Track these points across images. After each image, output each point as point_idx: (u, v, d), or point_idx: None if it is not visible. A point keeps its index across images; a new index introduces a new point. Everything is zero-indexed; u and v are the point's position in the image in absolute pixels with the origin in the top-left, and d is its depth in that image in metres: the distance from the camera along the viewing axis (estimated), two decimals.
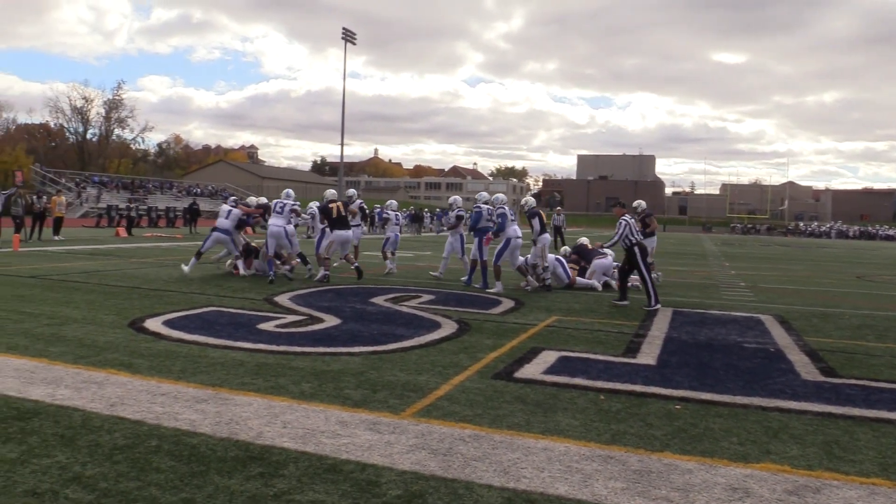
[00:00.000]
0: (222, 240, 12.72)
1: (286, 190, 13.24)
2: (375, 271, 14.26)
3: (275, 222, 12.37)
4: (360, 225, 15.04)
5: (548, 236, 12.38)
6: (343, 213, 12.67)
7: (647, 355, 6.68)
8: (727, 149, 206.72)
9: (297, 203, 13.16)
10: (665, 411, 4.78)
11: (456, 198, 14.38)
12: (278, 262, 12.61)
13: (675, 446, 4.07)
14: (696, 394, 5.26)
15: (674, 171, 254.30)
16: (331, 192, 13.50)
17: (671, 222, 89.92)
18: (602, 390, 5.27)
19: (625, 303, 10.39)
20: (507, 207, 11.96)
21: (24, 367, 5.38)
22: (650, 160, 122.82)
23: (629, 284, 11.04)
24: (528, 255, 12.19)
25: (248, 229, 14.51)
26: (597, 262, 12.68)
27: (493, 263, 11.75)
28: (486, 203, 12.31)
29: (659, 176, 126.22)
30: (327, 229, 12.73)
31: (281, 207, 12.52)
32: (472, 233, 12.37)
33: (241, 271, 12.65)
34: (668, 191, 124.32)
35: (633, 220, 10.69)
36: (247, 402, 4.66)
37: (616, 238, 10.60)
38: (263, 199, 14.92)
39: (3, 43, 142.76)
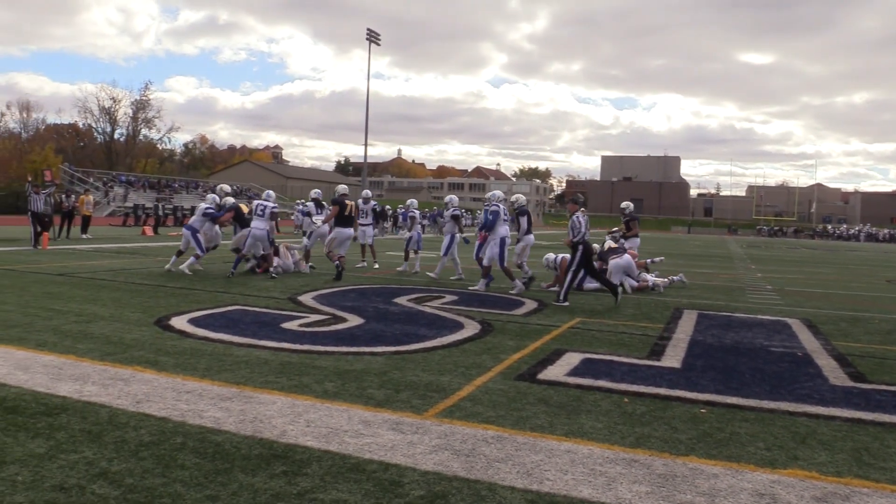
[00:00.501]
0: (188, 237, 12.75)
1: (266, 191, 13.34)
2: (397, 272, 14.28)
3: (256, 225, 12.40)
4: (371, 225, 15.12)
5: (532, 237, 12.49)
6: (353, 213, 12.85)
7: (672, 358, 6.61)
8: (754, 150, 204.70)
9: (277, 206, 13.19)
10: (690, 415, 4.73)
11: (452, 197, 14.34)
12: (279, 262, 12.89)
13: (700, 451, 4.02)
14: (721, 398, 5.20)
15: (699, 173, 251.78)
16: (342, 187, 13.67)
17: (696, 224, 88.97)
18: (626, 393, 5.23)
19: (618, 294, 10.50)
20: (501, 206, 11.90)
21: (52, 364, 5.46)
22: (675, 161, 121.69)
23: (618, 287, 11.36)
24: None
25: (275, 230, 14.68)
26: (613, 263, 12.49)
27: (500, 266, 11.73)
28: (502, 202, 12.28)
29: (684, 177, 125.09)
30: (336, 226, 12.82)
31: (262, 210, 12.53)
32: (486, 232, 12.26)
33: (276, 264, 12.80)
34: (693, 192, 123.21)
35: (585, 218, 10.55)
36: (270, 400, 4.69)
37: (580, 235, 10.41)
38: (231, 200, 15.18)
39: (34, 44, 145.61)
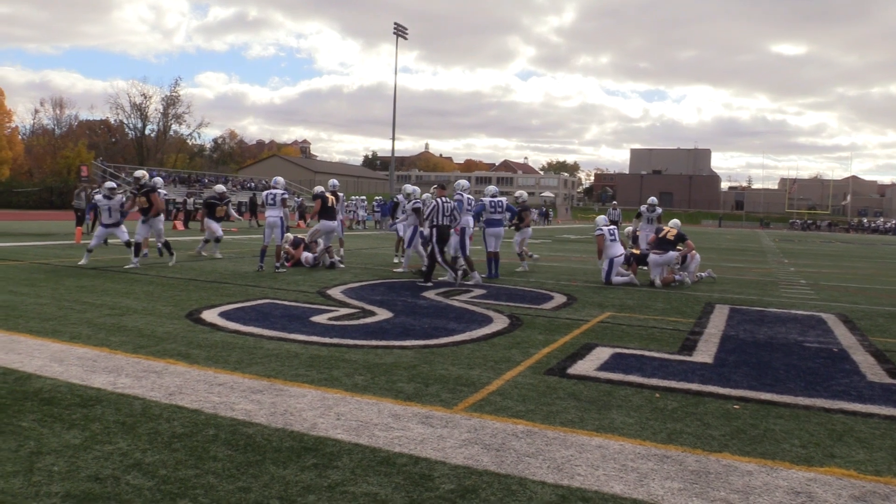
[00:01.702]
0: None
1: (275, 178, 13.37)
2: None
3: (269, 213, 12.47)
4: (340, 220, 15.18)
5: (530, 230, 13.25)
6: (334, 205, 12.97)
7: (704, 353, 6.54)
8: (786, 142, 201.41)
9: (287, 192, 13.19)
10: (723, 411, 4.67)
11: (414, 188, 14.43)
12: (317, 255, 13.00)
13: (733, 447, 3.97)
14: (755, 394, 5.12)
15: (730, 166, 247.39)
16: (332, 182, 14.25)
17: (727, 217, 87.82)
18: (657, 388, 5.18)
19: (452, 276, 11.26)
20: (465, 195, 12.31)
21: (86, 356, 5.56)
22: (705, 154, 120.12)
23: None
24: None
25: (301, 222, 14.84)
26: (653, 258, 12.30)
27: (463, 256, 12.03)
28: (492, 196, 12.76)
29: (715, 170, 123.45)
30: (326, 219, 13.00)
31: (272, 198, 12.53)
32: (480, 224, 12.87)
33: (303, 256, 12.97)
34: (724, 185, 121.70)
35: (447, 203, 11.40)
36: (301, 393, 4.72)
37: (427, 215, 11.48)
38: (221, 187, 15.39)
39: (67, 42, 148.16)
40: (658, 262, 12.25)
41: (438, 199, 11.49)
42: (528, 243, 13.20)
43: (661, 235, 12.47)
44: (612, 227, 12.48)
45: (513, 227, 14.14)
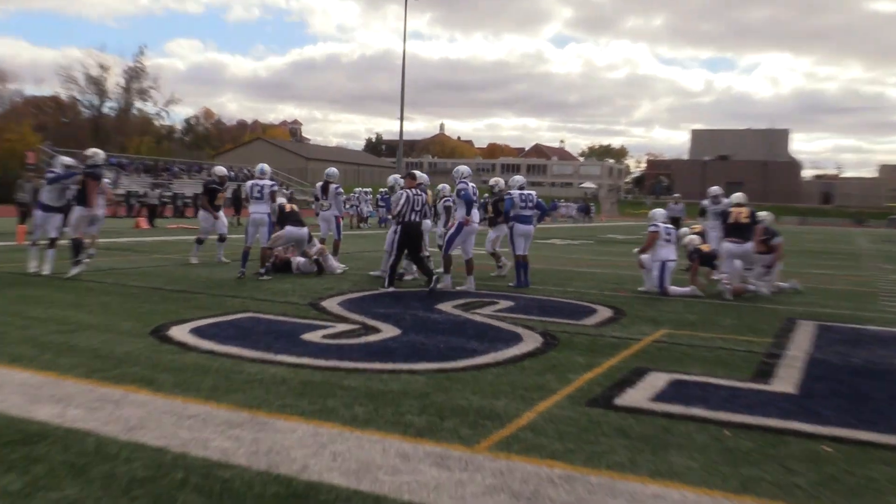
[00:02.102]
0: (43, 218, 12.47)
1: (260, 166, 13.38)
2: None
3: (255, 209, 12.55)
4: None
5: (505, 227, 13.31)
6: (294, 210, 13.20)
7: (785, 381, 6.48)
8: (886, 121, 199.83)
9: (276, 184, 13.25)
10: (810, 453, 4.61)
11: (395, 177, 14.54)
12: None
13: (825, 499, 3.92)
14: (851, 432, 5.07)
15: (814, 150, 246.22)
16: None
17: (811, 213, 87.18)
18: (727, 424, 5.14)
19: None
20: (469, 183, 12.47)
21: (29, 382, 5.58)
22: (783, 135, 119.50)
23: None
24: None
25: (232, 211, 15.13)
26: (726, 247, 12.04)
27: (444, 252, 12.31)
28: (520, 188, 12.95)
29: (794, 155, 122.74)
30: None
31: (259, 191, 12.62)
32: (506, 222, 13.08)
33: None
34: (807, 174, 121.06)
35: (418, 196, 11.59)
36: (289, 427, 4.71)
37: (397, 209, 11.65)
38: (222, 169, 15.71)
39: (12, 4, 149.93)
40: (734, 252, 11.88)
41: (408, 191, 11.60)
42: (500, 243, 13.87)
43: (731, 221, 12.07)
44: (669, 226, 12.42)
45: (487, 222, 14.66)
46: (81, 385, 5.54)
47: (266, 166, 13.33)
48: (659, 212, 12.77)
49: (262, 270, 12.39)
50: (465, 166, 13.02)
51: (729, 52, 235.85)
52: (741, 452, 4.57)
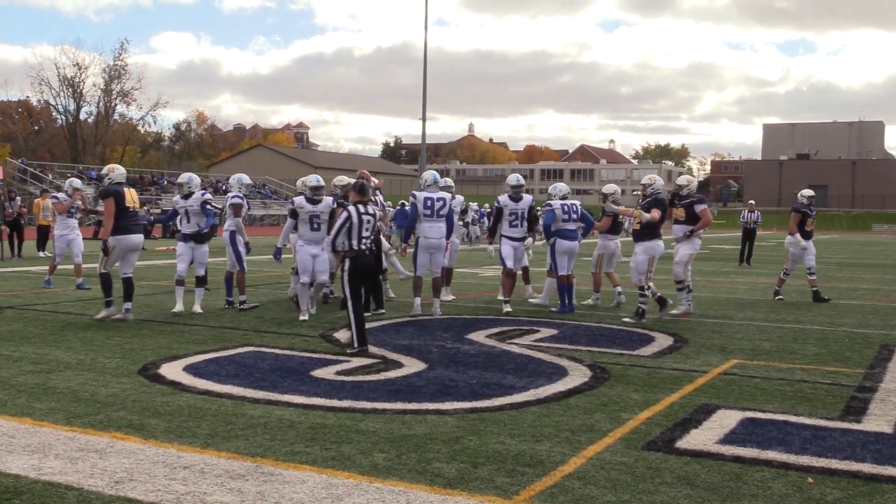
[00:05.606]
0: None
1: (236, 175, 13.33)
2: (476, 295, 14.28)
3: (229, 226, 12.53)
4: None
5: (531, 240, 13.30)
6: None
7: (880, 419, 6.43)
8: None
9: (240, 195, 12.70)
10: None
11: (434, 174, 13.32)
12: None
13: None
14: None
15: None
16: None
17: None
18: (810, 469, 5.11)
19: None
20: (558, 202, 12.83)
21: (1, 430, 5.67)
22: (876, 129, 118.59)
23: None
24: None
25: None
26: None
27: (415, 273, 12.33)
28: (563, 198, 13.06)
29: (891, 152, 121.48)
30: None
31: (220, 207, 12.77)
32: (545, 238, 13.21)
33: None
34: None
35: (366, 216, 9.07)
36: (299, 478, 4.74)
37: (334, 233, 9.13)
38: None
39: None
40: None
41: (352, 209, 9.18)
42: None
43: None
44: None
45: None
46: (60, 433, 5.61)
47: (243, 177, 13.28)
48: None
49: (242, 298, 12.32)
50: (434, 172, 12.88)
51: (809, 32, 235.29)
52: (828, 503, 4.55)
